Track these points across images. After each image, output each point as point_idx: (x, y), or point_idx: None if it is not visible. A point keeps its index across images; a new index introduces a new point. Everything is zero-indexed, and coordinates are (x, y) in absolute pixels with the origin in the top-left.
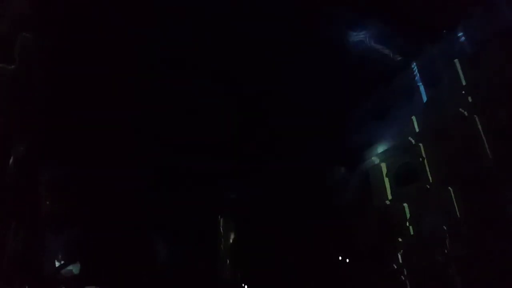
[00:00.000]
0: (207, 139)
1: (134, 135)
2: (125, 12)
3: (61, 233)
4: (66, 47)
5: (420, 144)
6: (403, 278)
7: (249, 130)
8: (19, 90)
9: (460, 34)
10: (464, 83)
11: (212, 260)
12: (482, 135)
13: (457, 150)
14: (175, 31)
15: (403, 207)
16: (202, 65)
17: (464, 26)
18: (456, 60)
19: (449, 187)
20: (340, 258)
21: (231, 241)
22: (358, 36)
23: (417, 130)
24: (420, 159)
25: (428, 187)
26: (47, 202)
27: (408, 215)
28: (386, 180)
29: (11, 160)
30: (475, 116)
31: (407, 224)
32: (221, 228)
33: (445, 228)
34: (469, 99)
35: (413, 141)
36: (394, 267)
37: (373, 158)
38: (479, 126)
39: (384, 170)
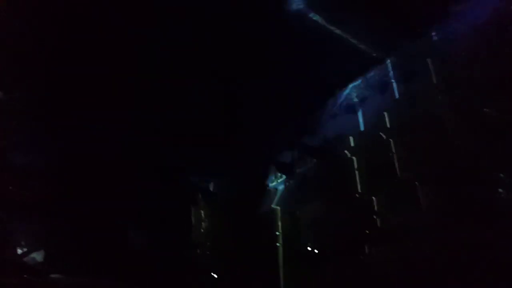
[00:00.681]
0: (182, 127)
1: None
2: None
3: (24, 220)
4: None
5: (391, 140)
6: (371, 270)
7: (222, 121)
8: None
9: (435, 32)
10: (435, 81)
11: (185, 247)
12: (454, 133)
13: (427, 146)
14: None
15: (372, 200)
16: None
17: (439, 25)
18: (429, 59)
19: (418, 182)
20: (309, 249)
21: (202, 229)
22: (333, 29)
23: (388, 125)
24: (391, 154)
25: (398, 182)
26: (10, 188)
27: (376, 208)
28: (357, 173)
29: None
30: (447, 113)
31: (375, 217)
32: (192, 217)
33: (412, 222)
34: (441, 97)
35: (384, 136)
36: (361, 258)
37: (345, 151)
38: (451, 124)
39: (355, 164)
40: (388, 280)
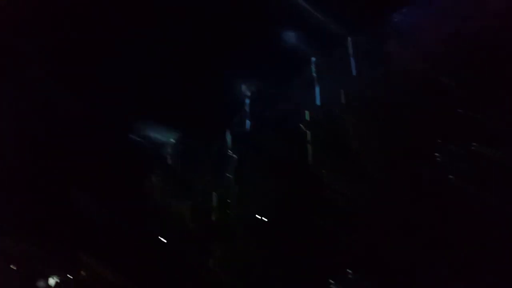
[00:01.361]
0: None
1: None
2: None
3: None
4: None
5: (345, 116)
6: (319, 240)
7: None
8: None
9: (397, 15)
10: (394, 63)
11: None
12: (409, 111)
13: (381, 124)
14: None
15: (323, 173)
16: None
17: (403, 7)
18: (390, 40)
19: (370, 158)
20: (258, 217)
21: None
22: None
23: (344, 102)
24: (344, 130)
25: (350, 157)
26: None
27: (327, 182)
28: (310, 147)
29: None
30: (401, 92)
31: (324, 190)
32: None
33: (362, 195)
34: (398, 76)
35: (339, 112)
36: (309, 229)
37: (300, 125)
38: (405, 101)
39: (309, 137)
40: (338, 250)
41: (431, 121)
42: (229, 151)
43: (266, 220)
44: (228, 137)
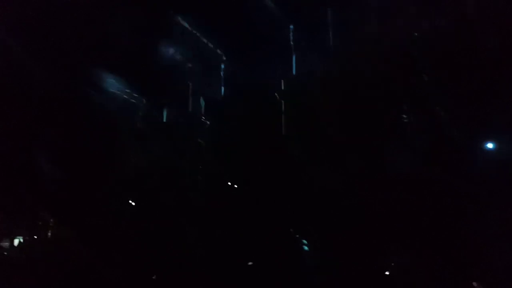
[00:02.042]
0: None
1: None
2: None
3: None
4: None
5: (283, 101)
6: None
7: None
8: None
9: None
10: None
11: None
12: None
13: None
14: None
15: (295, 144)
16: None
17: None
18: (330, 29)
19: (339, 130)
20: (229, 184)
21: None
22: None
23: (283, 88)
24: (317, 101)
25: (320, 129)
26: None
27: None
28: (283, 116)
29: None
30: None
31: (296, 160)
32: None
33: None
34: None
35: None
36: (279, 197)
37: (275, 94)
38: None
39: (283, 107)
40: (302, 216)
41: (398, 94)
42: (203, 116)
43: (236, 186)
44: (202, 102)
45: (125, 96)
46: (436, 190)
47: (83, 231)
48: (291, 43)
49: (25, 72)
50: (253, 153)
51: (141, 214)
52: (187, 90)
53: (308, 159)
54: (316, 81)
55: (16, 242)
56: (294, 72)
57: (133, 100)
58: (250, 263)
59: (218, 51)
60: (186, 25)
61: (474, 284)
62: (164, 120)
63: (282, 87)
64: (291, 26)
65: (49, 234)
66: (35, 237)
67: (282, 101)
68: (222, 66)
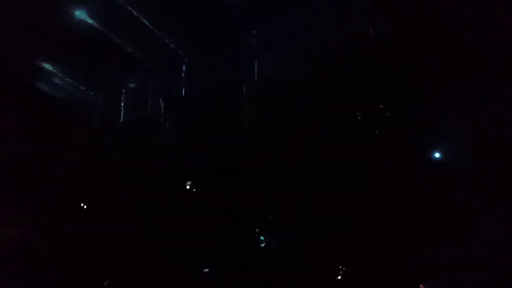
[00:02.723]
0: None
1: None
2: None
3: None
4: None
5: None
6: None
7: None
8: None
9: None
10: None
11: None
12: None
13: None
14: None
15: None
16: None
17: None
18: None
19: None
20: (188, 185)
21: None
22: None
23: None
24: (276, 107)
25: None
26: None
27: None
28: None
29: None
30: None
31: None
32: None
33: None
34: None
35: (275, 87)
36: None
37: (236, 96)
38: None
39: (243, 111)
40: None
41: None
42: (162, 117)
43: (194, 190)
44: (161, 103)
45: (79, 93)
46: (387, 189)
47: (30, 230)
48: (254, 47)
49: None
50: (212, 155)
51: (92, 215)
52: (147, 90)
53: (267, 159)
54: (278, 84)
55: None
56: (255, 76)
57: (88, 99)
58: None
59: (180, 52)
60: (147, 23)
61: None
62: (121, 120)
63: (244, 91)
64: (254, 31)
65: None
66: None
67: (244, 104)
68: (183, 67)
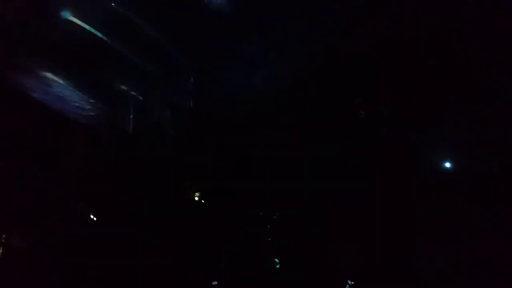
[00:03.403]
0: None
1: None
2: None
3: None
4: None
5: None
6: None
7: None
8: None
9: None
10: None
11: None
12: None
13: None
14: None
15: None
16: None
17: None
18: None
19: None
20: None
21: None
22: None
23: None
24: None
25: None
26: None
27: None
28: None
29: None
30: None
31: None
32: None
33: None
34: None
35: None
36: None
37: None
38: None
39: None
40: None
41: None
42: (167, 126)
43: (203, 202)
44: (167, 112)
45: (83, 102)
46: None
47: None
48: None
49: None
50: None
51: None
52: (151, 98)
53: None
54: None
55: None
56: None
57: (90, 106)
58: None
59: (186, 60)
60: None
61: None
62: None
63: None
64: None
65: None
66: None
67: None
68: (190, 76)
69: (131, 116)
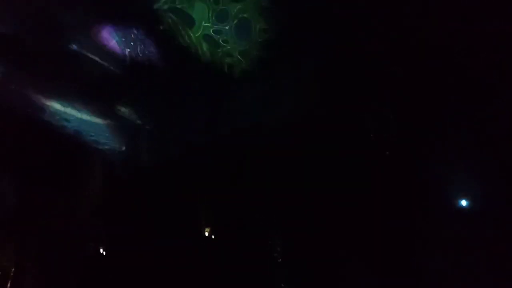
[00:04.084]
0: None
1: None
2: None
3: None
4: None
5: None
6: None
7: None
8: None
9: None
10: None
11: None
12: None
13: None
14: None
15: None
16: None
17: None
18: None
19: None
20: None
21: None
22: None
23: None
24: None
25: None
26: None
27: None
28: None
29: None
30: None
31: None
32: None
33: None
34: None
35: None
36: None
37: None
38: None
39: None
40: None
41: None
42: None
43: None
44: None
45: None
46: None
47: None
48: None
49: None
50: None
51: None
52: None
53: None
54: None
55: None
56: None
57: (106, 140)
58: None
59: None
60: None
61: None
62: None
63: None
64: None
65: None
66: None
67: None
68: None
69: (146, 151)
